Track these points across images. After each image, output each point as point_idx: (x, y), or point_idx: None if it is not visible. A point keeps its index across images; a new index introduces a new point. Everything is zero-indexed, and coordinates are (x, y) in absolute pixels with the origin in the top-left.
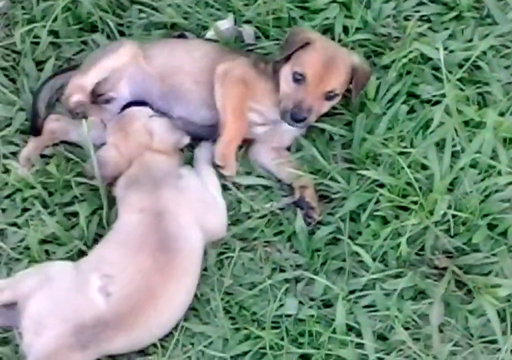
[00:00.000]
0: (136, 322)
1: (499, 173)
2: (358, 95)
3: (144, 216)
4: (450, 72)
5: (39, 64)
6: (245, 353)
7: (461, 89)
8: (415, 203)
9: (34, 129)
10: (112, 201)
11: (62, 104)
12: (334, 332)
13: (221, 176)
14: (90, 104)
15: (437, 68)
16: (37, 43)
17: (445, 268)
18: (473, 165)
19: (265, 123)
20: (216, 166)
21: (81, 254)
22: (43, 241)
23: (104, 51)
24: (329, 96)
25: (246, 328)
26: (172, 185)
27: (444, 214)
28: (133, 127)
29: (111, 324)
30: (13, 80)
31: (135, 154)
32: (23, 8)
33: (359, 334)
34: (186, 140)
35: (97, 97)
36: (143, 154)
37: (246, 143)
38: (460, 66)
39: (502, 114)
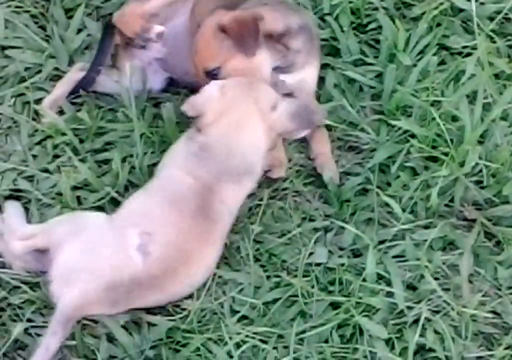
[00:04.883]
0: (167, 283)
1: None
2: (244, 45)
3: (196, 183)
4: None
5: (68, 12)
6: (276, 300)
7: (493, 41)
8: (446, 154)
9: (87, 84)
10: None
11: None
12: (364, 281)
13: None
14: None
15: (467, 21)
16: None
17: (474, 220)
18: (504, 117)
19: None
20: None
21: (113, 200)
22: (74, 188)
23: None
24: (212, 74)
25: (276, 276)
26: (237, 183)
27: (474, 166)
28: (263, 87)
29: (145, 284)
30: (42, 27)
31: (240, 110)
32: None
33: (388, 284)
34: (299, 135)
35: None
36: (244, 124)
37: None
38: (491, 18)
39: None
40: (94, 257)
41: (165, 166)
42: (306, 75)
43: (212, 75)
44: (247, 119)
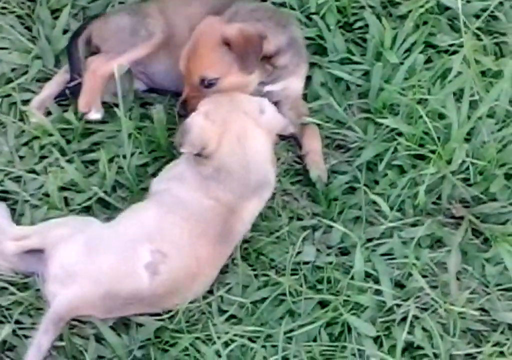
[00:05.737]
0: (169, 301)
1: None
2: (246, 63)
3: (218, 206)
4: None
5: (54, 12)
6: (264, 299)
7: (479, 39)
8: (433, 152)
9: (75, 90)
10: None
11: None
12: (352, 279)
13: None
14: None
15: (453, 19)
16: None
17: (461, 217)
18: (490, 115)
19: None
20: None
21: (100, 201)
22: (61, 188)
23: (136, 33)
24: (207, 83)
25: (264, 275)
26: (259, 196)
27: (462, 164)
28: (242, 97)
29: (146, 301)
30: (28, 28)
31: (235, 126)
32: None
33: (376, 281)
34: (292, 129)
35: None
36: (246, 136)
37: None
38: (477, 16)
39: None
40: (95, 261)
41: (170, 185)
42: (291, 83)
43: (207, 84)
44: (245, 131)
